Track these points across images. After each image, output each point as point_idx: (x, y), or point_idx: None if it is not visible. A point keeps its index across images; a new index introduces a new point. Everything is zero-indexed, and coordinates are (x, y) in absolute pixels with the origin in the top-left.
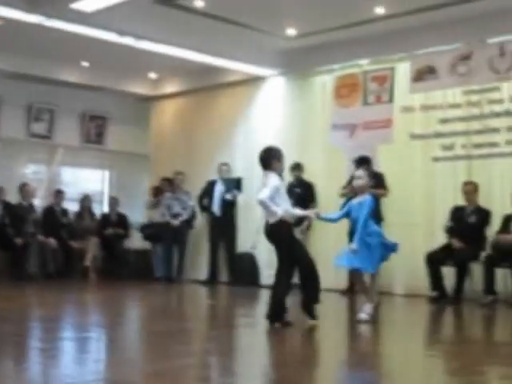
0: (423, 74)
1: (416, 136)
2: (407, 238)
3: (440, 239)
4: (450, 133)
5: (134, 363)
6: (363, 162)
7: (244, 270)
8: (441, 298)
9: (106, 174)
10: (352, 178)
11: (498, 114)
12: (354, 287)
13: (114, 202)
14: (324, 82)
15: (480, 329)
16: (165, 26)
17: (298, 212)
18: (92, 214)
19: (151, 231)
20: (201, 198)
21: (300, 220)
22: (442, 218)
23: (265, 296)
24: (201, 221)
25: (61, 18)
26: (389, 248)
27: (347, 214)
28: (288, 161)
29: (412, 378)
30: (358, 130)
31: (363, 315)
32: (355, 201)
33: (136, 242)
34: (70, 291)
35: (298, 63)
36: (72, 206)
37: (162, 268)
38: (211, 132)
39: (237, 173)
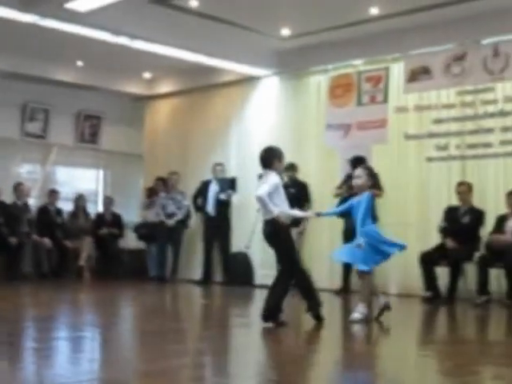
0: (417, 75)
1: (410, 136)
2: (401, 238)
3: (434, 239)
4: (444, 133)
5: (128, 363)
6: (358, 162)
7: (238, 270)
8: (434, 298)
9: (101, 173)
10: (347, 178)
11: (491, 115)
12: (349, 287)
13: (108, 201)
14: (318, 82)
15: (474, 329)
16: (159, 25)
17: (298, 213)
18: (86, 214)
19: (145, 231)
20: (195, 197)
21: (297, 221)
22: (436, 218)
23: (259, 296)
24: (195, 221)
25: (55, 17)
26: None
27: (349, 211)
28: None
29: (406, 378)
30: (353, 130)
31: (356, 315)
32: (355, 199)
33: (130, 241)
34: (65, 291)
35: (292, 63)
36: (66, 206)
37: (156, 268)
38: (206, 132)
39: (231, 173)
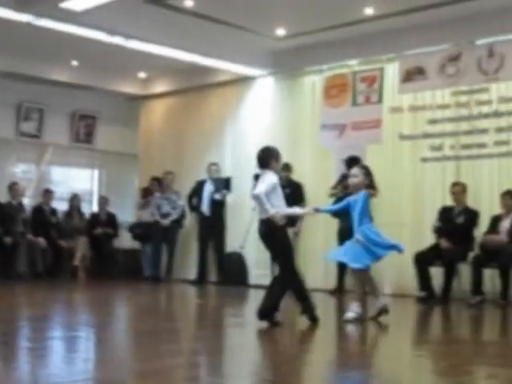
0: (412, 75)
1: (405, 136)
2: (395, 238)
3: (428, 239)
4: (439, 133)
5: (122, 363)
6: (353, 162)
7: (233, 270)
8: (429, 298)
9: (96, 173)
10: (342, 178)
11: (486, 115)
12: (343, 287)
13: (103, 201)
14: (313, 82)
15: (468, 329)
16: (154, 25)
17: (298, 211)
18: (81, 214)
19: (140, 231)
20: (190, 197)
21: (293, 221)
22: (431, 218)
23: (253, 296)
24: (190, 220)
25: (50, 17)
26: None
27: (347, 209)
28: None
29: (400, 378)
30: (347, 131)
31: (350, 314)
32: (352, 198)
33: (125, 241)
34: (59, 290)
35: (287, 63)
36: (61, 206)
37: (150, 267)
38: (201, 132)
39: (226, 173)
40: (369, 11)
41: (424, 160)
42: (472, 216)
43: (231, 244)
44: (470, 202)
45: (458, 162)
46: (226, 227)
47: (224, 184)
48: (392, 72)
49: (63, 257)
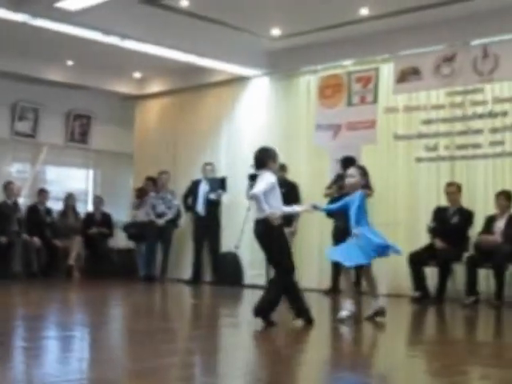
0: (407, 75)
1: (399, 137)
2: (390, 238)
3: (423, 239)
4: (434, 134)
5: (117, 362)
6: (348, 162)
7: (228, 270)
8: (423, 298)
9: (91, 173)
10: (337, 178)
11: (481, 116)
12: (338, 287)
13: (98, 201)
14: (308, 82)
15: (462, 329)
16: (149, 25)
17: (297, 209)
18: (76, 213)
19: (135, 230)
20: (185, 197)
21: (289, 221)
22: (425, 218)
23: (248, 296)
24: (185, 220)
25: (45, 16)
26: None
27: (344, 209)
28: None
29: (394, 378)
30: (342, 131)
31: (344, 313)
32: (349, 198)
33: (120, 241)
34: (54, 290)
35: (282, 63)
36: (56, 205)
37: (145, 267)
38: (196, 132)
39: (221, 172)
40: (364, 12)
41: (419, 160)
42: (466, 216)
43: (226, 244)
44: (465, 202)
45: (452, 163)
46: (221, 227)
47: (219, 184)
48: (387, 72)
49: (58, 256)
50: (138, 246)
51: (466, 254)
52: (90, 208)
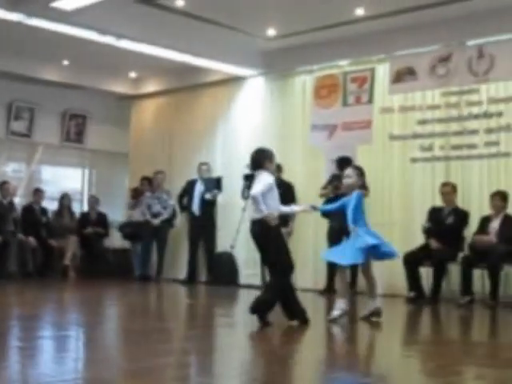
0: (402, 76)
1: (395, 137)
2: (385, 238)
3: (418, 240)
4: (429, 134)
5: (112, 362)
6: (344, 162)
7: (223, 270)
8: (418, 299)
9: (86, 172)
10: (332, 179)
11: (476, 116)
12: (333, 287)
13: (93, 200)
14: (304, 82)
15: (457, 329)
16: (145, 25)
17: (296, 209)
18: (71, 213)
19: (130, 230)
20: (181, 197)
21: (286, 221)
22: (420, 218)
23: (243, 296)
24: (180, 220)
25: (41, 16)
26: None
27: (342, 209)
28: None
29: (389, 378)
30: (338, 131)
31: (335, 312)
32: (347, 198)
33: (115, 240)
34: (50, 290)
35: (278, 63)
36: (51, 205)
37: (140, 267)
38: (191, 131)
39: (217, 172)
40: (360, 12)
41: (414, 160)
42: (462, 216)
43: (221, 244)
44: (460, 202)
45: (447, 163)
46: (217, 227)
47: (215, 184)
48: (382, 72)
49: (54, 256)
50: (134, 245)
51: (460, 254)
52: (86, 208)
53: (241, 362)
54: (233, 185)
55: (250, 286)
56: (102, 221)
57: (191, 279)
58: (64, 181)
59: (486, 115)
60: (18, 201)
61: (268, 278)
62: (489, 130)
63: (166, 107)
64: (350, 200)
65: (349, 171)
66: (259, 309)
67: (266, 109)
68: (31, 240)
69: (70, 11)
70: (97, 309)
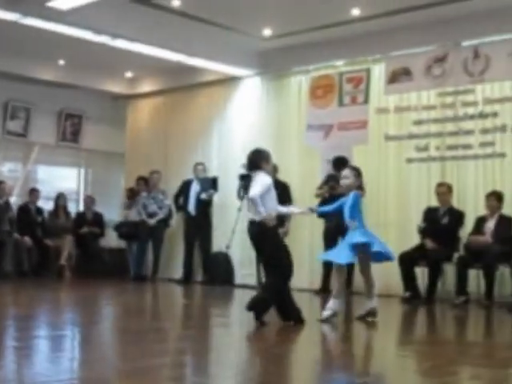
0: (398, 76)
1: (390, 137)
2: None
3: (414, 240)
4: (424, 134)
5: (108, 362)
6: (340, 162)
7: (219, 270)
8: (413, 299)
9: (82, 172)
10: (328, 179)
11: (471, 116)
12: (328, 287)
13: (89, 200)
14: (300, 82)
15: (452, 329)
16: (141, 24)
17: (294, 210)
18: (67, 213)
19: (126, 230)
20: (176, 197)
21: (282, 222)
22: (416, 218)
23: (239, 296)
24: (176, 220)
25: (37, 16)
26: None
27: (340, 210)
28: None
29: (385, 378)
30: (334, 131)
31: (325, 313)
32: (345, 199)
33: (111, 240)
34: (45, 290)
35: (273, 64)
36: (47, 205)
37: (136, 266)
38: (187, 131)
39: (213, 172)
40: (355, 12)
41: (409, 161)
42: (457, 217)
43: (217, 244)
44: (455, 202)
45: (443, 163)
46: (213, 227)
47: (210, 184)
48: (378, 73)
49: (49, 256)
50: (130, 245)
51: (456, 255)
52: (82, 207)
53: (236, 361)
54: (228, 185)
55: (245, 286)
56: (97, 221)
57: (187, 279)
58: (60, 180)
59: (482, 116)
60: (14, 200)
61: (264, 278)
62: (484, 131)
63: (162, 107)
64: (348, 200)
65: (346, 172)
66: (256, 307)
67: (262, 109)
68: (27, 240)
69: (66, 11)
70: (92, 308)
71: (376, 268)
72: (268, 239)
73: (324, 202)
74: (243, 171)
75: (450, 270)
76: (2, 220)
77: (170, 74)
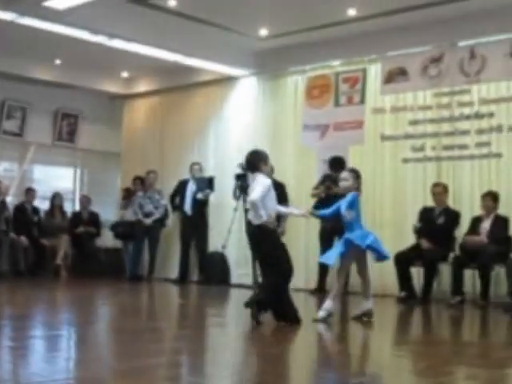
0: (394, 76)
1: (386, 137)
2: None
3: (409, 240)
4: (420, 134)
5: (104, 362)
6: (336, 162)
7: (215, 269)
8: (409, 299)
9: (78, 172)
10: (324, 179)
11: (467, 117)
12: (324, 287)
13: (85, 200)
14: (296, 82)
15: (448, 329)
16: (137, 24)
17: (294, 211)
18: (63, 212)
19: (122, 229)
20: (173, 197)
21: (278, 221)
22: (412, 218)
23: (235, 295)
24: (172, 220)
25: (33, 15)
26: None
27: (338, 212)
28: None
29: (380, 378)
30: (330, 131)
31: (321, 313)
32: (342, 201)
33: (107, 240)
34: (41, 289)
35: (270, 64)
36: (43, 204)
37: (132, 266)
38: (183, 131)
39: (209, 172)
40: (352, 12)
41: (405, 161)
42: (453, 217)
43: (213, 243)
44: (451, 202)
45: (439, 163)
46: (209, 227)
47: (207, 183)
48: (374, 73)
49: (45, 255)
50: (126, 245)
51: (451, 255)
52: (78, 207)
53: (232, 361)
54: (225, 185)
55: (241, 286)
56: (93, 220)
57: (183, 279)
58: (56, 180)
59: (478, 116)
60: (10, 200)
61: (260, 278)
62: (480, 131)
63: (158, 107)
64: (345, 199)
65: (345, 174)
66: (254, 305)
67: (259, 109)
68: (23, 239)
69: (63, 10)
70: (88, 308)
71: (372, 268)
72: (267, 239)
73: (320, 202)
74: (239, 171)
75: (445, 270)
76: None
77: (166, 74)
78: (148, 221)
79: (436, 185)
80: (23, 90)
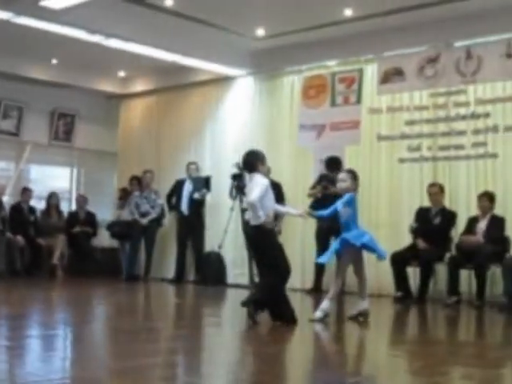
0: (390, 76)
1: (383, 137)
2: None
3: (406, 240)
4: (417, 134)
5: (100, 361)
6: (333, 162)
7: (211, 269)
8: (405, 298)
9: (75, 171)
10: (320, 179)
11: (463, 117)
12: (320, 287)
13: (81, 199)
14: (292, 82)
15: (443, 329)
16: (134, 24)
17: (292, 211)
18: (59, 212)
19: (119, 229)
20: (169, 196)
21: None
22: (408, 218)
23: (231, 295)
24: (169, 219)
25: (30, 15)
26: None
27: (335, 213)
28: None
29: (376, 377)
30: (326, 131)
31: (318, 313)
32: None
33: (104, 240)
34: (38, 289)
35: (266, 64)
36: (40, 204)
37: (128, 266)
38: (180, 131)
39: (205, 172)
40: (348, 12)
41: (401, 161)
42: (449, 217)
43: (210, 243)
44: (447, 203)
45: (435, 163)
46: (205, 227)
47: (203, 183)
48: (371, 73)
49: (42, 255)
50: (122, 245)
51: (448, 255)
52: (74, 207)
53: (229, 361)
54: (221, 184)
55: (237, 286)
56: (90, 220)
57: (179, 279)
58: (52, 180)
59: (474, 116)
60: (6, 199)
61: (257, 278)
62: (476, 131)
63: (154, 107)
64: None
65: (343, 175)
66: (250, 304)
67: (255, 109)
68: (19, 239)
69: (59, 10)
70: (85, 308)
71: (368, 268)
72: (266, 240)
73: (317, 202)
74: (236, 171)
75: (441, 270)
76: None
77: (162, 74)
78: (144, 220)
79: (432, 185)
80: (20, 90)
